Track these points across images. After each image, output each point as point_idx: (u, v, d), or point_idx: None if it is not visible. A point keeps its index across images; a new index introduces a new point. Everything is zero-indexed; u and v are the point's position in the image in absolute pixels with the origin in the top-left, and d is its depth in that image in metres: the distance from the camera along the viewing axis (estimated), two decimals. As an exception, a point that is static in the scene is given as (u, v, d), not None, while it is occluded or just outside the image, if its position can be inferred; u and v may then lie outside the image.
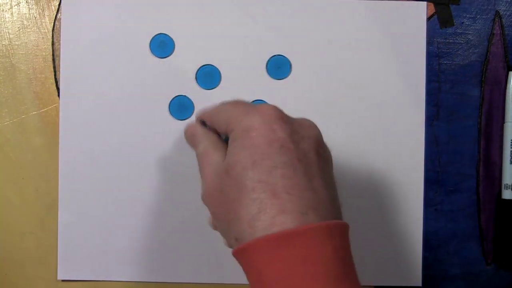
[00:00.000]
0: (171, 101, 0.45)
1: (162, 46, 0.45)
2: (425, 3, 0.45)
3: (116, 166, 0.45)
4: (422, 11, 0.45)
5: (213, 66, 0.45)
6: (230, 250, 0.31)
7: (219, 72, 0.45)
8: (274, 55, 0.45)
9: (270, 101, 0.45)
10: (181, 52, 0.45)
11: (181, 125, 0.45)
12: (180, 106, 0.45)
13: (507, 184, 0.45)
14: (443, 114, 0.45)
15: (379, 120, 0.45)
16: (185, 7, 0.45)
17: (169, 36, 0.45)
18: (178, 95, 0.45)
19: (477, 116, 0.45)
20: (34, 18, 0.46)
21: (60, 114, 0.45)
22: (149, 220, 0.45)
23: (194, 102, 0.45)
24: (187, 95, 0.45)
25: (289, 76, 0.45)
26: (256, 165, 0.30)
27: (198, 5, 0.45)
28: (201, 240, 0.45)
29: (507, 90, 0.45)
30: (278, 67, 0.45)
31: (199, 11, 0.45)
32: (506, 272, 0.46)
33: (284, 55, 0.45)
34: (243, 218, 0.30)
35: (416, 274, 0.45)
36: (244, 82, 0.45)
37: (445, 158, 0.45)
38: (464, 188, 0.46)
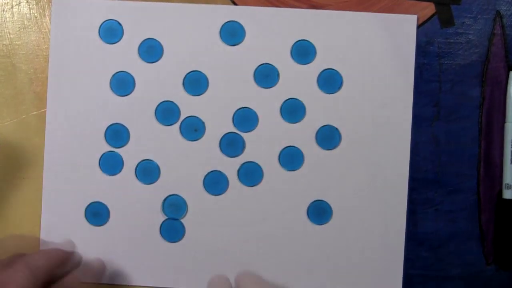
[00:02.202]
0: (157, 106, 0.45)
1: (150, 51, 0.45)
2: (415, 16, 0.45)
3: (100, 171, 0.45)
4: (412, 23, 0.45)
5: (200, 72, 0.45)
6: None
7: (207, 78, 0.45)
8: (262, 64, 0.45)
9: (256, 108, 0.45)
10: (169, 57, 0.45)
11: (167, 130, 0.45)
12: (166, 112, 0.45)
13: (507, 184, 0.45)
14: (443, 114, 0.45)
15: (365, 129, 0.45)
16: (174, 13, 0.45)
17: (158, 41, 0.45)
18: (165, 101, 0.45)
19: (477, 116, 0.45)
20: (34, 18, 0.46)
21: (47, 120, 0.45)
22: (129, 223, 0.46)
23: (180, 108, 0.45)
24: (173, 101, 0.45)
25: (276, 85, 0.45)
26: None
27: (187, 11, 0.45)
28: (180, 246, 0.46)
29: (508, 90, 0.45)
30: (266, 75, 0.45)
31: (188, 17, 0.45)
32: (506, 273, 0.45)
33: (272, 63, 0.45)
34: None
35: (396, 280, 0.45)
36: (231, 89, 0.45)
37: (445, 158, 0.45)
38: (464, 188, 0.46)
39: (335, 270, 0.45)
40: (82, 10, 0.45)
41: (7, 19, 0.46)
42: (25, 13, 0.46)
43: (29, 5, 0.46)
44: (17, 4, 0.46)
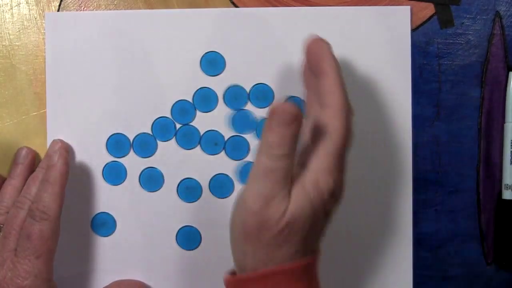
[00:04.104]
0: (154, 122, 0.45)
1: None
2: (408, 7, 0.45)
3: (104, 181, 0.45)
4: (406, 15, 0.45)
5: (217, 52, 0.45)
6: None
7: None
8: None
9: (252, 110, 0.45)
10: (169, 65, 0.45)
11: (165, 143, 0.45)
12: (162, 126, 0.45)
13: (507, 184, 0.45)
14: (443, 115, 0.45)
15: (365, 126, 0.45)
16: (171, 19, 0.45)
17: (156, 49, 0.45)
18: (161, 117, 0.45)
19: (477, 116, 0.45)
20: (34, 19, 0.46)
21: (48, 128, 0.45)
22: (138, 232, 0.45)
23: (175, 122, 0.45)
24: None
25: (272, 84, 0.45)
26: None
27: (184, 17, 0.45)
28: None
29: (507, 90, 0.45)
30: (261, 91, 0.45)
31: (184, 23, 0.45)
32: (506, 273, 0.46)
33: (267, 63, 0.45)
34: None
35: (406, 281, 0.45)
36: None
37: (446, 158, 0.45)
38: (464, 188, 0.46)
39: (342, 272, 0.45)
40: (75, 22, 0.45)
41: (7, 20, 0.46)
42: (25, 14, 0.46)
43: (29, 6, 0.46)
44: (16, 5, 0.46)
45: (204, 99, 0.45)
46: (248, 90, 0.45)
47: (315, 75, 0.38)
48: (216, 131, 0.45)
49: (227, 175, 0.45)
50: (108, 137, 0.45)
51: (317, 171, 0.35)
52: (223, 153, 0.45)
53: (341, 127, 0.35)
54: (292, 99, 0.45)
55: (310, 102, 0.40)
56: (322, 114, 0.35)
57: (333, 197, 0.35)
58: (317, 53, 0.37)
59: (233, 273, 0.37)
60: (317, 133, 0.35)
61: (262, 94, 0.45)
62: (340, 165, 0.35)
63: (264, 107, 0.45)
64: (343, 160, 0.36)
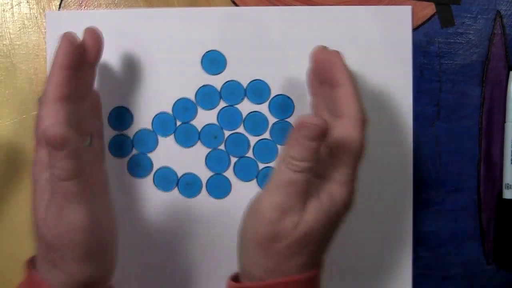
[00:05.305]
0: (154, 118, 0.45)
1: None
2: (409, 7, 0.45)
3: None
4: (407, 14, 0.45)
5: (218, 51, 0.45)
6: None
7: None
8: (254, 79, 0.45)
9: (240, 108, 0.45)
10: (170, 63, 0.45)
11: (165, 140, 0.45)
12: (162, 122, 0.45)
13: (508, 184, 0.45)
14: (444, 114, 0.45)
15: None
16: (172, 17, 0.45)
17: (157, 47, 0.45)
18: (160, 112, 0.45)
19: (478, 116, 0.45)
20: (35, 18, 0.46)
21: None
22: (127, 226, 0.45)
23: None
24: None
25: (268, 101, 0.45)
26: None
27: (186, 15, 0.45)
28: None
29: (508, 90, 0.45)
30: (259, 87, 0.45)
31: (173, 22, 0.45)
32: (507, 272, 0.46)
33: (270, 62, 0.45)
34: None
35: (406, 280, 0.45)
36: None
37: (446, 157, 0.45)
38: (465, 188, 0.46)
39: (342, 271, 0.45)
40: (76, 21, 0.45)
41: (7, 19, 0.46)
42: (25, 13, 0.46)
43: (29, 5, 0.46)
44: (17, 4, 0.46)
45: (206, 97, 0.45)
46: (245, 86, 0.45)
47: (327, 84, 0.38)
48: (216, 125, 0.45)
49: (224, 176, 0.45)
50: (109, 137, 0.45)
51: (333, 183, 0.35)
52: (222, 148, 0.45)
53: (359, 139, 0.35)
54: (283, 97, 0.45)
55: (318, 109, 0.40)
56: (339, 125, 0.35)
57: (346, 208, 0.35)
58: (328, 63, 0.37)
59: (235, 278, 0.37)
60: (334, 144, 0.35)
61: (258, 90, 0.45)
62: (355, 176, 0.35)
63: (260, 103, 0.45)
64: (357, 171, 0.36)
